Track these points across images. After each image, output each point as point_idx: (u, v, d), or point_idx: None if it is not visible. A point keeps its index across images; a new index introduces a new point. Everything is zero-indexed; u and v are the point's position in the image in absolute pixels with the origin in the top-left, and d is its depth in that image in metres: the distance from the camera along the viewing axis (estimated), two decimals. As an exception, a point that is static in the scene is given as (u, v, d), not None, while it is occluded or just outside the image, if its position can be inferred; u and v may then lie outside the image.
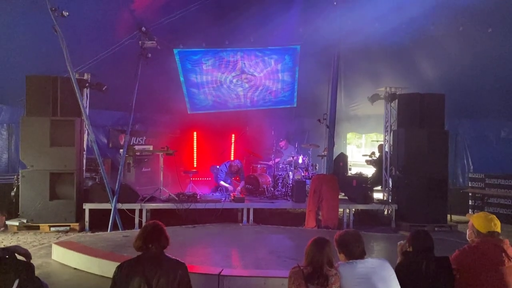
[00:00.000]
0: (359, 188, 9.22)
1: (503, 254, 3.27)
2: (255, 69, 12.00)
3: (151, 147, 11.47)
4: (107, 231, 7.61)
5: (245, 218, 8.61)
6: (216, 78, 12.00)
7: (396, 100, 9.58)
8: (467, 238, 3.61)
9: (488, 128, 11.56)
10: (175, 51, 10.96)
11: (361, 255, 3.20)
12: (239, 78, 12.10)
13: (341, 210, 8.89)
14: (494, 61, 9.68)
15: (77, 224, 7.92)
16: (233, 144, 12.36)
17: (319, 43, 9.85)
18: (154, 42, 8.72)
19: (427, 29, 9.61)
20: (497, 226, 3.44)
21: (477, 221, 3.50)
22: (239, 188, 9.81)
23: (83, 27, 8.54)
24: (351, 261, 3.15)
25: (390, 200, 9.45)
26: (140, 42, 8.68)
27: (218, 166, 10.17)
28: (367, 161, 11.50)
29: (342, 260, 3.23)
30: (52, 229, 7.82)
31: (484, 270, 3.25)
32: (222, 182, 9.88)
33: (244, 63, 11.81)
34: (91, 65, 9.07)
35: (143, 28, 8.78)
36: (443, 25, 9.51)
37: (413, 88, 9.79)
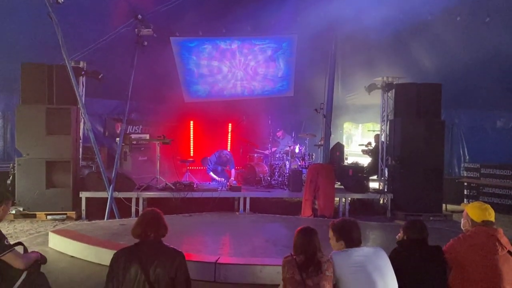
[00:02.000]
0: (355, 177, 9.27)
1: (497, 243, 3.30)
2: (252, 57, 11.95)
3: (147, 136, 11.44)
4: (103, 219, 7.61)
5: (241, 207, 8.64)
6: (213, 67, 11.94)
7: (393, 90, 9.57)
8: (462, 227, 3.64)
9: (484, 118, 11.61)
10: (172, 39, 10.88)
11: (359, 242, 3.23)
12: (236, 67, 12.04)
13: (337, 199, 8.94)
14: (492, 51, 9.66)
15: (74, 212, 7.93)
16: (229, 133, 12.35)
17: (316, 33, 9.80)
18: (151, 30, 8.66)
19: (425, 18, 9.57)
20: (491, 215, 3.47)
21: (472, 211, 3.53)
22: (232, 177, 9.82)
23: (79, 15, 8.45)
24: (345, 249, 3.17)
25: (385, 190, 9.49)
26: (136, 30, 8.61)
27: (208, 158, 10.18)
28: (363, 151, 11.54)
29: (336, 248, 3.24)
30: (49, 217, 7.83)
31: (478, 259, 3.28)
32: (212, 174, 9.89)
33: (241, 52, 11.75)
34: (87, 53, 9.00)
35: (139, 16, 8.70)
36: (440, 15, 9.47)
37: (410, 78, 9.78)
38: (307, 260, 3.01)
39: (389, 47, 10.78)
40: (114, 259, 3.00)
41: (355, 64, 11.91)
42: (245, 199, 8.67)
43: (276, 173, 10.26)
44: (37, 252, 3.61)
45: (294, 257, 3.08)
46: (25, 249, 3.60)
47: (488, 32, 9.35)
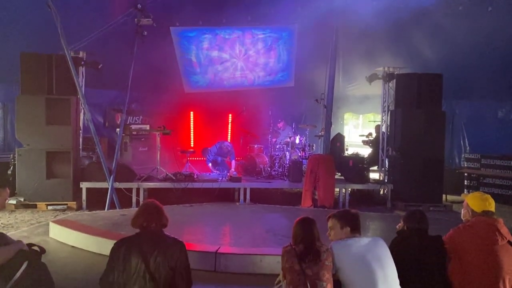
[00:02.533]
0: (356, 168, 9.25)
1: (497, 233, 3.30)
2: (252, 47, 11.89)
3: (147, 127, 11.43)
4: (104, 209, 7.63)
5: (241, 198, 8.65)
6: (213, 57, 11.89)
7: (394, 80, 9.53)
8: (462, 218, 3.64)
9: (485, 108, 11.55)
10: (172, 29, 10.82)
11: (360, 232, 3.25)
12: (236, 57, 11.99)
13: (337, 189, 8.94)
14: (493, 41, 9.62)
15: (74, 202, 7.94)
16: (230, 124, 12.33)
17: (317, 22, 9.73)
18: (150, 19, 8.58)
19: (426, 8, 9.50)
20: (491, 205, 3.47)
21: (472, 201, 3.53)
22: (232, 168, 9.82)
23: (78, 4, 8.40)
24: (345, 239, 3.18)
25: (386, 180, 9.50)
26: (136, 19, 8.54)
27: (209, 148, 10.16)
28: (363, 142, 11.52)
29: (339, 236, 3.25)
30: (50, 207, 7.85)
31: (478, 249, 3.29)
32: (210, 165, 9.87)
33: (241, 42, 11.69)
34: (87, 43, 8.94)
35: (139, 6, 8.62)
36: (442, 4, 9.39)
37: (411, 68, 9.73)
38: (306, 250, 3.02)
39: (390, 37, 10.69)
40: (114, 249, 3.00)
41: (356, 54, 11.81)
42: (245, 189, 8.68)
43: (277, 164, 10.26)
44: (20, 242, 3.53)
45: (294, 247, 3.09)
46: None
47: (490, 22, 9.29)
